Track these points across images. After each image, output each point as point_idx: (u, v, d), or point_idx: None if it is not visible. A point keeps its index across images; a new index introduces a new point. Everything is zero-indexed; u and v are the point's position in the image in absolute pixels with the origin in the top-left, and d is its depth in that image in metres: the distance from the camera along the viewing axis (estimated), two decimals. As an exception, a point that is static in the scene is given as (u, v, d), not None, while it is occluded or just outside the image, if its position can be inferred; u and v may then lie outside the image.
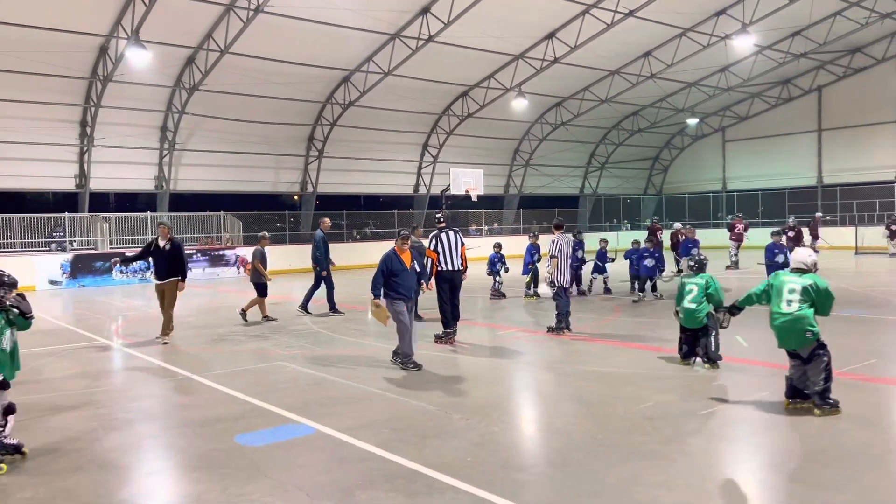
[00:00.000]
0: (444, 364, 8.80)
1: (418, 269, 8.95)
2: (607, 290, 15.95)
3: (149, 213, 24.95)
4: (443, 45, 23.70)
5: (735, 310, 6.95)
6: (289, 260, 25.85)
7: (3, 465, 5.23)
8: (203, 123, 25.45)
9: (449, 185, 30.01)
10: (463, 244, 10.31)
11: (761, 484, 4.86)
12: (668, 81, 30.76)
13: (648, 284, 14.95)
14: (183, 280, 10.88)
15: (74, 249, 23.28)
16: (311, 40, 22.50)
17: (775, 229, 15.14)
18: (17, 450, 5.42)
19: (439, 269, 10.11)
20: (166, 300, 10.83)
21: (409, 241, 8.81)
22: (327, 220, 14.36)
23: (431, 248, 10.15)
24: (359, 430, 5.96)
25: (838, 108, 34.71)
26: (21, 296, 5.59)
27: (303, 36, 22.10)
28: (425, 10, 22.18)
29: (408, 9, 22.15)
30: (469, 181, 29.95)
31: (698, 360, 8.06)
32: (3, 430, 5.36)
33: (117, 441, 5.98)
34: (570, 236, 11.69)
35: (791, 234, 19.58)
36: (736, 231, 22.14)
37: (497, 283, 15.97)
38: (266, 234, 13.72)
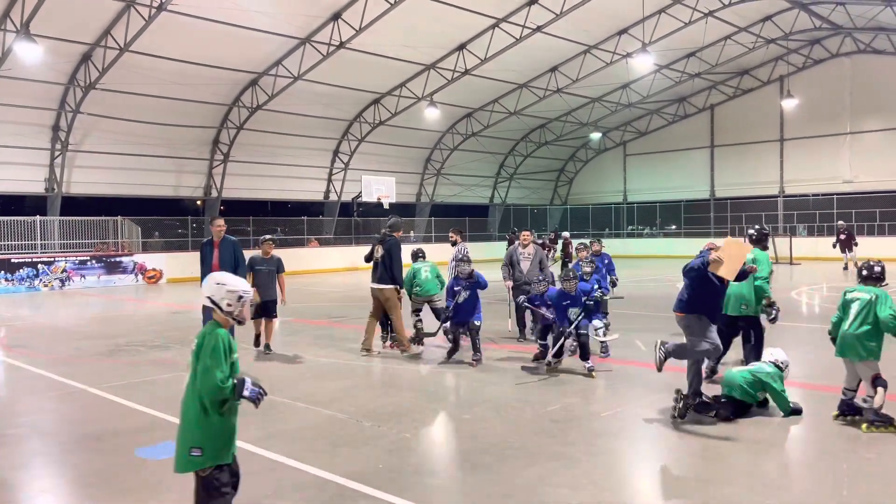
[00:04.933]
0: (355, 372, 8.75)
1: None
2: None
3: (38, 217, 23.47)
4: (354, 51, 23.59)
5: None
6: (192, 268, 24.94)
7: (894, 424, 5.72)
8: (99, 124, 24.17)
9: (360, 193, 29.91)
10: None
11: (659, 480, 5.12)
12: (574, 96, 31.89)
13: None
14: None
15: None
16: (217, 41, 21.84)
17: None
18: (891, 422, 5.76)
19: None
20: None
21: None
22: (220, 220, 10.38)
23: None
24: (267, 441, 5.84)
25: (729, 126, 36.96)
26: None
27: (208, 36, 21.42)
28: (336, 16, 22.02)
29: (318, 14, 21.91)
30: (381, 188, 30.00)
31: None
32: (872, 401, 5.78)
33: (4, 459, 5.59)
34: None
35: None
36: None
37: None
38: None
